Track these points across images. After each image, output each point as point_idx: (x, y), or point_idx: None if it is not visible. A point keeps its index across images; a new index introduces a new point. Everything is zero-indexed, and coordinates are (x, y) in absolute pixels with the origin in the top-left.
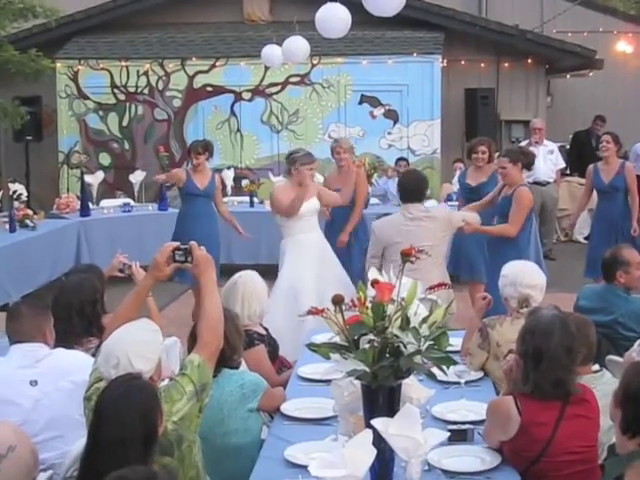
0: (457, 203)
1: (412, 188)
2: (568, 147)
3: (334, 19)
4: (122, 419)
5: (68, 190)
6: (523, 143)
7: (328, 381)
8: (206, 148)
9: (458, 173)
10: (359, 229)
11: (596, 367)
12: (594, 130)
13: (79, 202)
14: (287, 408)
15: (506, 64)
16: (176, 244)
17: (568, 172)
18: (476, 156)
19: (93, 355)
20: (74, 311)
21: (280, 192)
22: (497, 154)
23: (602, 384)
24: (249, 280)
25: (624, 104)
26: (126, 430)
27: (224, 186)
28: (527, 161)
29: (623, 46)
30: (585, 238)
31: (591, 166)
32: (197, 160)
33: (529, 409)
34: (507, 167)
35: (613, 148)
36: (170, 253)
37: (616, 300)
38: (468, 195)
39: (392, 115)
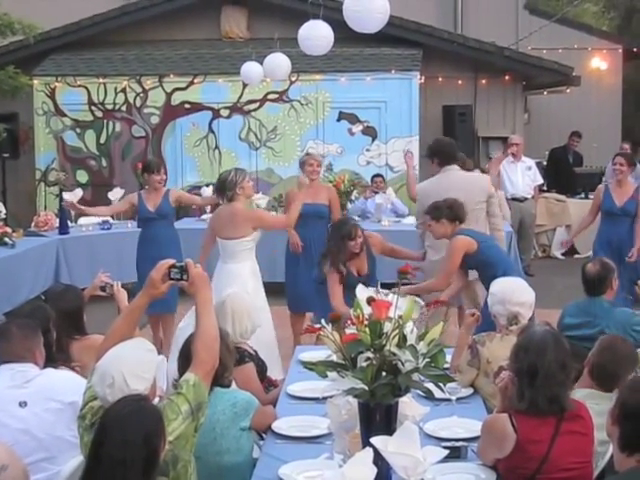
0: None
1: (448, 150)
2: (545, 163)
3: (317, 36)
4: (126, 439)
5: (46, 208)
6: (498, 153)
7: (317, 398)
8: (161, 166)
9: None
10: None
11: None
12: (570, 146)
13: (57, 220)
14: (279, 426)
15: (483, 81)
16: (172, 261)
17: (545, 188)
18: None
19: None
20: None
21: (247, 210)
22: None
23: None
24: (237, 298)
25: (600, 120)
26: (128, 451)
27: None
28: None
29: (597, 62)
30: (562, 254)
31: (601, 186)
32: (160, 177)
33: (525, 426)
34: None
35: (627, 170)
36: (166, 270)
37: (601, 312)
38: None
39: (370, 132)
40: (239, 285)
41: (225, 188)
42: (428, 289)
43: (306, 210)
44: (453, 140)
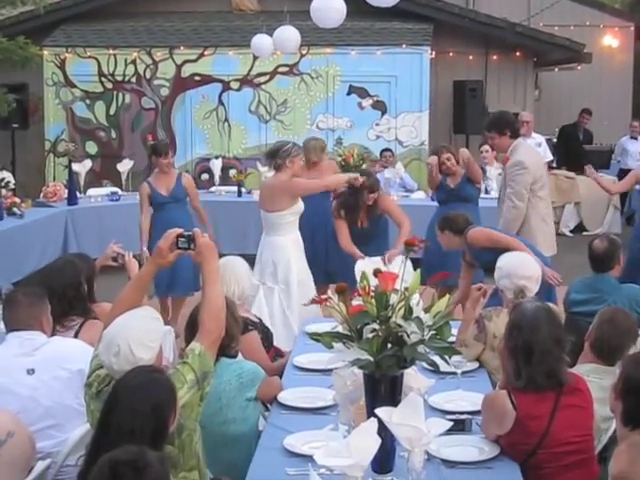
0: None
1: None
2: (555, 140)
3: (330, 9)
4: (135, 409)
5: (55, 178)
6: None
7: (324, 370)
8: (169, 148)
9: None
10: None
11: None
12: (581, 123)
13: (66, 191)
14: (285, 397)
15: (494, 57)
16: (180, 231)
17: (555, 165)
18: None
19: (76, 333)
20: (54, 295)
21: (291, 181)
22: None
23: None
24: (230, 263)
25: (610, 98)
26: (137, 420)
27: (212, 176)
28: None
29: (609, 40)
30: (571, 231)
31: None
32: (167, 160)
33: (524, 403)
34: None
35: None
36: (173, 240)
37: (608, 288)
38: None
39: (380, 106)
40: (282, 258)
41: (276, 155)
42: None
43: None
44: None
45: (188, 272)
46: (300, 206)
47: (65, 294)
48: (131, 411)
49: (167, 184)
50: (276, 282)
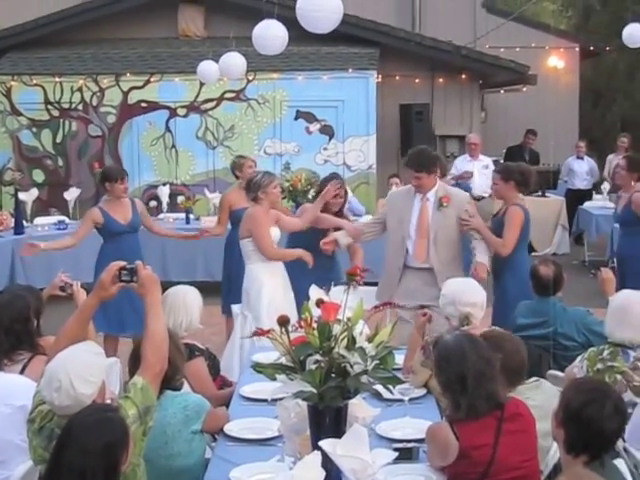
0: None
1: None
2: (502, 161)
3: (271, 36)
4: (86, 448)
5: (1, 207)
6: (459, 158)
7: (270, 400)
8: (125, 173)
9: (394, 188)
10: None
11: (533, 378)
12: (526, 144)
13: (13, 220)
14: (231, 429)
15: (440, 79)
16: (122, 263)
17: None
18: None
19: (24, 367)
20: (1, 329)
21: (260, 218)
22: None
23: (540, 393)
24: (180, 292)
25: (556, 118)
26: (88, 460)
27: (159, 203)
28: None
29: (555, 61)
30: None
31: None
32: (124, 185)
33: (466, 433)
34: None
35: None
36: (116, 272)
37: (554, 312)
38: None
39: (328, 131)
40: (252, 286)
41: (249, 188)
42: (495, 244)
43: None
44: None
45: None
46: (276, 234)
47: (13, 328)
48: (82, 450)
49: (124, 213)
50: (249, 310)
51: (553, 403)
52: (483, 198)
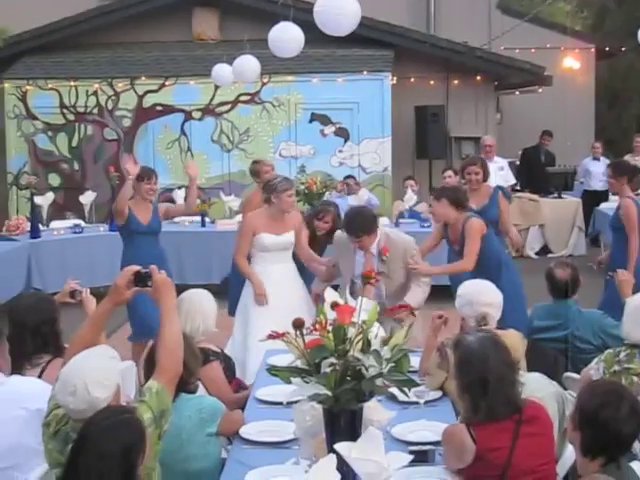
0: (410, 221)
1: None
2: (518, 163)
3: (287, 39)
4: (103, 451)
5: (17, 212)
6: None
7: (285, 403)
8: (155, 173)
9: (409, 191)
10: None
11: None
12: (542, 145)
13: (29, 224)
14: (246, 432)
15: (455, 81)
16: (137, 268)
17: (518, 188)
18: (469, 177)
19: (42, 370)
20: (27, 332)
21: (249, 223)
22: (446, 172)
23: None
24: (195, 297)
25: (572, 119)
26: (105, 463)
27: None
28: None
29: (570, 62)
30: (536, 253)
31: None
32: (150, 186)
33: (483, 435)
34: (434, 206)
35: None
36: (131, 277)
37: (570, 314)
38: None
39: (343, 133)
40: (246, 290)
41: (265, 189)
42: (457, 269)
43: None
44: None
45: None
46: (262, 240)
47: (39, 331)
48: (99, 454)
49: (145, 215)
50: (247, 313)
51: (538, 389)
52: None
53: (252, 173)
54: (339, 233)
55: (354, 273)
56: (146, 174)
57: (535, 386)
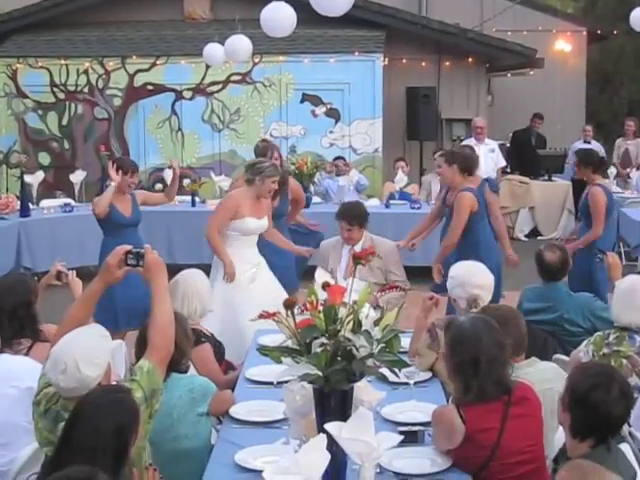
0: (400, 202)
1: None
2: (508, 145)
3: (280, 18)
4: (97, 428)
5: (7, 190)
6: (465, 141)
7: (276, 383)
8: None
9: (400, 172)
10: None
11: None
12: (533, 128)
13: (19, 202)
14: (236, 411)
15: (447, 63)
16: (129, 247)
17: (509, 170)
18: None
19: (25, 356)
20: (4, 315)
21: (230, 202)
22: (437, 153)
23: (536, 370)
24: (190, 278)
25: (563, 102)
26: (99, 440)
27: (165, 186)
28: (465, 165)
29: (562, 45)
30: (526, 236)
31: None
32: (134, 180)
33: (472, 416)
34: (444, 169)
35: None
36: (122, 256)
37: (560, 297)
38: None
39: (334, 114)
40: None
41: (249, 169)
42: (445, 248)
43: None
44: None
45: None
46: (246, 224)
47: (16, 314)
48: (94, 430)
49: (125, 205)
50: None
51: (550, 379)
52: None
53: (257, 151)
54: (324, 243)
55: (339, 269)
56: (130, 168)
57: (549, 376)
